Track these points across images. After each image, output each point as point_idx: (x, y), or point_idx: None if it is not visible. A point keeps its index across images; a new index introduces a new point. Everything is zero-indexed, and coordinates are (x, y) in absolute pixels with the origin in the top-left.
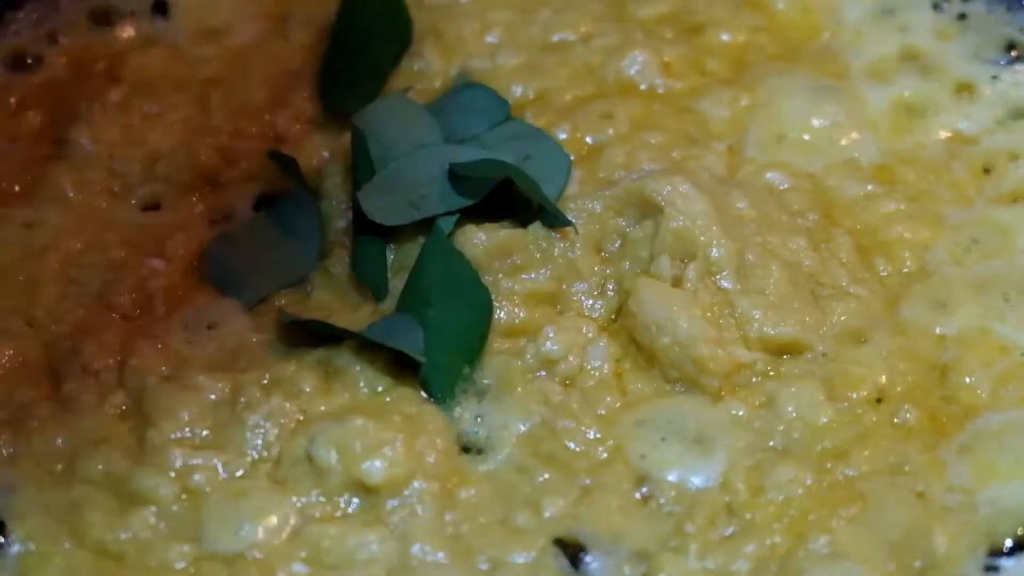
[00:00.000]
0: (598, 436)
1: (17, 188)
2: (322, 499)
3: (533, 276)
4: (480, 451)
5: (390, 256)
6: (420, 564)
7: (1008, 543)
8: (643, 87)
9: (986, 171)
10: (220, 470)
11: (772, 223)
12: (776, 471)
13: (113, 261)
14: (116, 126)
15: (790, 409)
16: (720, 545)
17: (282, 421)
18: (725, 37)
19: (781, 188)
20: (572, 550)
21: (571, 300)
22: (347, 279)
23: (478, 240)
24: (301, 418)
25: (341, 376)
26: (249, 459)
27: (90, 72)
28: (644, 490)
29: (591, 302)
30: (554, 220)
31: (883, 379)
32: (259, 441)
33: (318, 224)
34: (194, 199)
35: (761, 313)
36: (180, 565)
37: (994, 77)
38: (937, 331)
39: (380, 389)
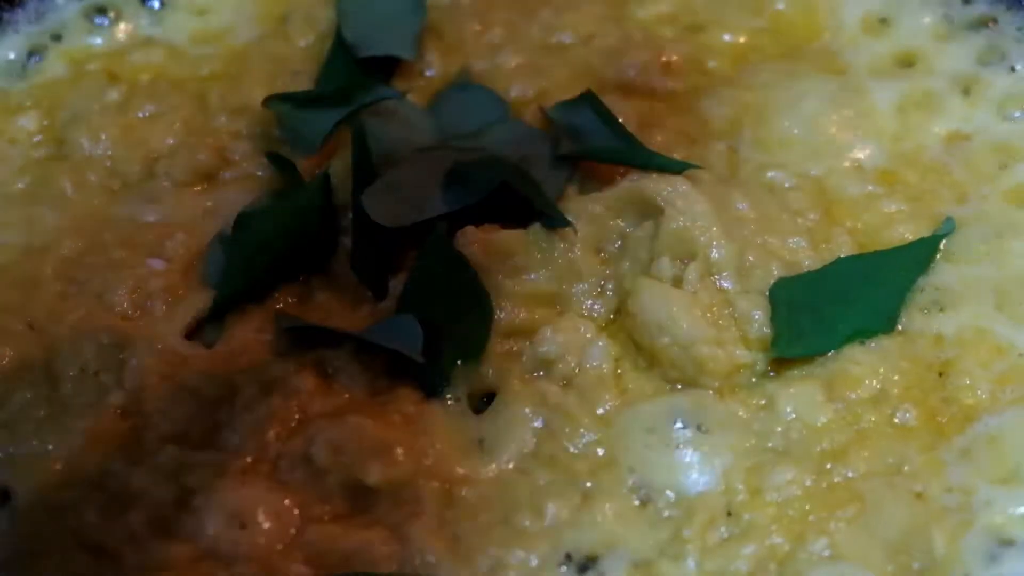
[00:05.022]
0: (597, 437)
1: (17, 188)
2: (322, 499)
3: (533, 276)
4: (480, 451)
5: (390, 256)
6: (420, 564)
7: (1007, 543)
8: (643, 87)
9: (985, 171)
10: (219, 470)
11: (772, 223)
12: (775, 472)
13: (113, 261)
14: (116, 126)
15: (789, 410)
16: (719, 547)
17: (281, 421)
18: (726, 37)
19: (782, 188)
20: (575, 554)
21: (571, 300)
22: (347, 279)
23: (478, 240)
24: (300, 418)
25: (340, 376)
26: (248, 459)
27: (90, 72)
28: (643, 493)
29: (591, 302)
30: (553, 221)
31: (882, 379)
32: (258, 441)
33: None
34: (193, 199)
35: (761, 313)
36: (179, 566)
37: (994, 77)
38: (935, 332)
39: (379, 389)
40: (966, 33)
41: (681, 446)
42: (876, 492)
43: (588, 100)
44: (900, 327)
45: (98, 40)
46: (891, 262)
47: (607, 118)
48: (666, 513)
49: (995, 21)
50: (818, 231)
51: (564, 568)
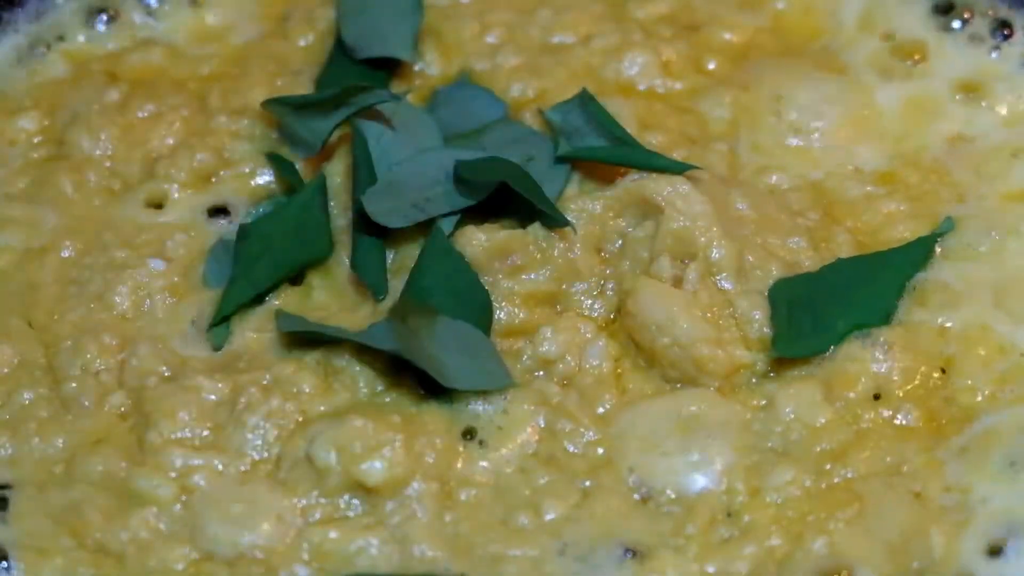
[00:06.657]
0: (597, 437)
1: (17, 189)
2: (322, 500)
3: (533, 276)
4: (480, 451)
5: (390, 256)
6: (421, 565)
7: (1006, 543)
8: (643, 87)
9: (985, 171)
10: (220, 471)
11: (772, 223)
12: (775, 472)
13: (113, 261)
14: (116, 126)
15: (789, 410)
16: (719, 546)
17: (282, 422)
18: (726, 37)
19: (782, 188)
20: (574, 548)
21: (571, 300)
22: (347, 279)
23: (478, 240)
24: (300, 419)
25: (340, 376)
26: (249, 460)
27: (90, 72)
28: (644, 491)
29: (591, 302)
30: (554, 221)
31: (882, 378)
32: (259, 442)
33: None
34: (193, 199)
35: (761, 313)
36: (180, 566)
37: (995, 77)
38: (935, 332)
39: (379, 389)
40: (967, 33)
41: (681, 446)
42: (875, 492)
43: (583, 101)
44: (901, 327)
45: (98, 40)
46: (889, 261)
47: (603, 118)
48: (666, 510)
49: (997, 22)
50: (818, 231)
51: (563, 562)
